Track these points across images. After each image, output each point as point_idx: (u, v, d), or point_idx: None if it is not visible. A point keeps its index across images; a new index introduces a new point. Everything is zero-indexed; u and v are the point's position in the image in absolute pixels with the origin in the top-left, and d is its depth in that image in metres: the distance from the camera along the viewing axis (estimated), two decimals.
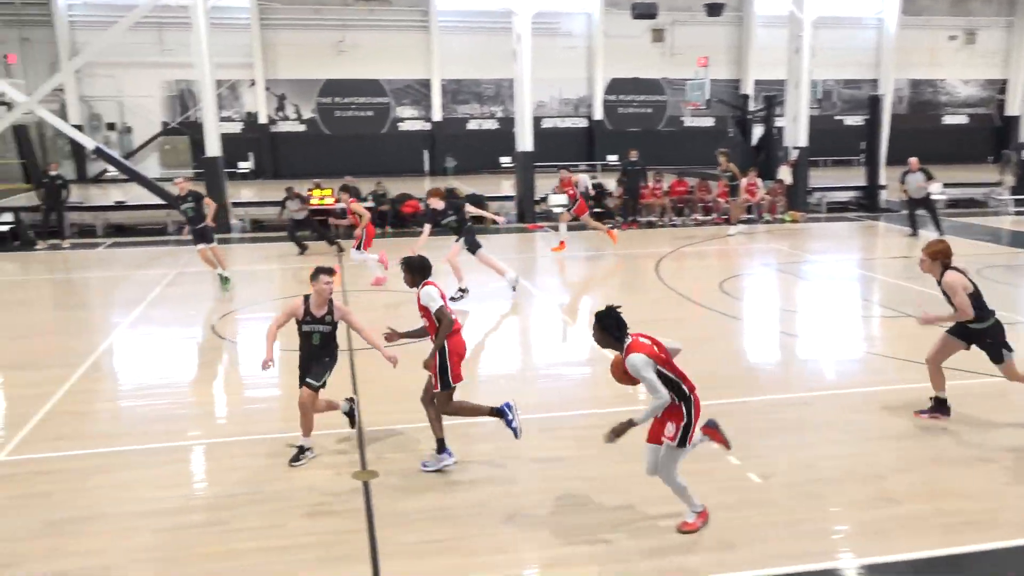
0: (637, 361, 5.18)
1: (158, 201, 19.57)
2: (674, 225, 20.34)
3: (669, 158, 28.74)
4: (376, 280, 13.68)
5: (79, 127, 26.36)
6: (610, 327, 5.36)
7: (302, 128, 32.62)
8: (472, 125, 33.85)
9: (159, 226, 19.97)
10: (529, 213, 20.80)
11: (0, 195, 24.42)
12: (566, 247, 16.59)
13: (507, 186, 25.96)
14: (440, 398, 6.51)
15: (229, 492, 6.31)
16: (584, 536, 5.57)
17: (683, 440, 5.33)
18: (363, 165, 27.40)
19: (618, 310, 5.40)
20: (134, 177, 20.65)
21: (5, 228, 18.25)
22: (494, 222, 15.14)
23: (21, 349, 10.43)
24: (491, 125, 33.83)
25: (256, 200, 22.62)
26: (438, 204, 12.56)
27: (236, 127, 31.31)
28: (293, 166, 30.85)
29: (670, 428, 5.32)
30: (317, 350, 6.80)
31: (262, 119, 32.03)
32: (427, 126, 33.25)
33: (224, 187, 19.74)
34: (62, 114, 27.62)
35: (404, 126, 33.28)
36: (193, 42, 19.01)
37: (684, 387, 5.34)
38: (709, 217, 20.91)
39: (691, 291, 13.17)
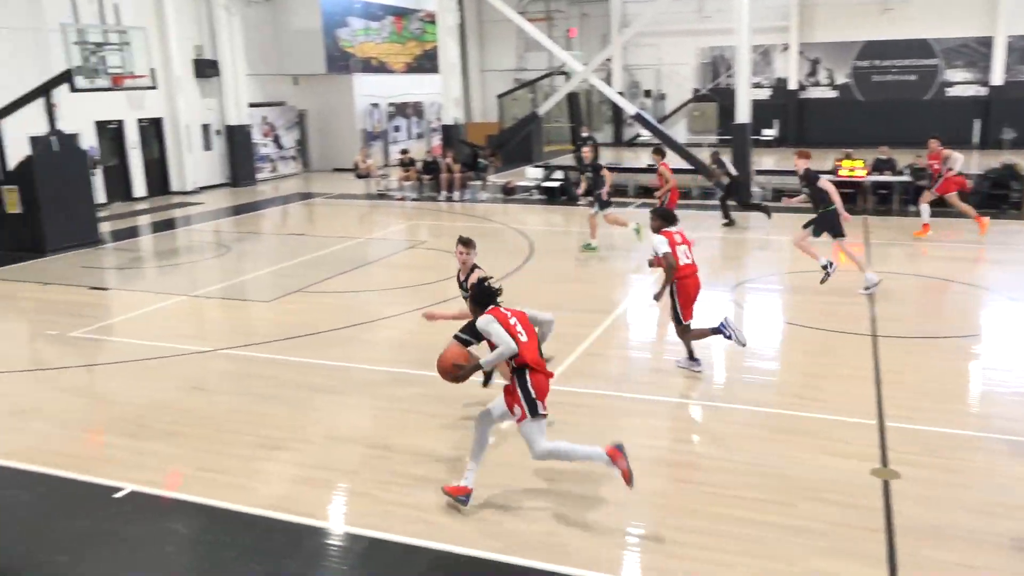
0: (483, 319, 5.48)
1: (686, 166, 20.33)
2: None
3: None
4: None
5: (621, 94, 28.75)
6: (480, 299, 5.64)
7: (833, 94, 31.11)
8: None
9: (684, 190, 20.50)
10: None
11: (553, 155, 28.01)
12: (929, 231, 14.71)
13: None
14: (678, 331, 8.06)
15: (728, 457, 6.30)
16: None
17: (533, 411, 5.37)
18: (897, 134, 25.05)
19: (488, 283, 5.74)
20: (666, 142, 21.79)
21: (556, 184, 20.76)
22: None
23: (555, 291, 11.72)
24: None
25: (777, 168, 22.28)
26: (800, 167, 10.98)
27: (764, 93, 31.13)
28: (819, 134, 29.70)
29: (516, 410, 5.40)
30: None
31: (791, 85, 31.35)
32: (982, 91, 29.09)
33: (749, 154, 19.75)
34: (607, 82, 30.37)
35: (953, 91, 29.60)
36: (735, 7, 19.18)
37: (515, 360, 5.38)
38: None
39: None
